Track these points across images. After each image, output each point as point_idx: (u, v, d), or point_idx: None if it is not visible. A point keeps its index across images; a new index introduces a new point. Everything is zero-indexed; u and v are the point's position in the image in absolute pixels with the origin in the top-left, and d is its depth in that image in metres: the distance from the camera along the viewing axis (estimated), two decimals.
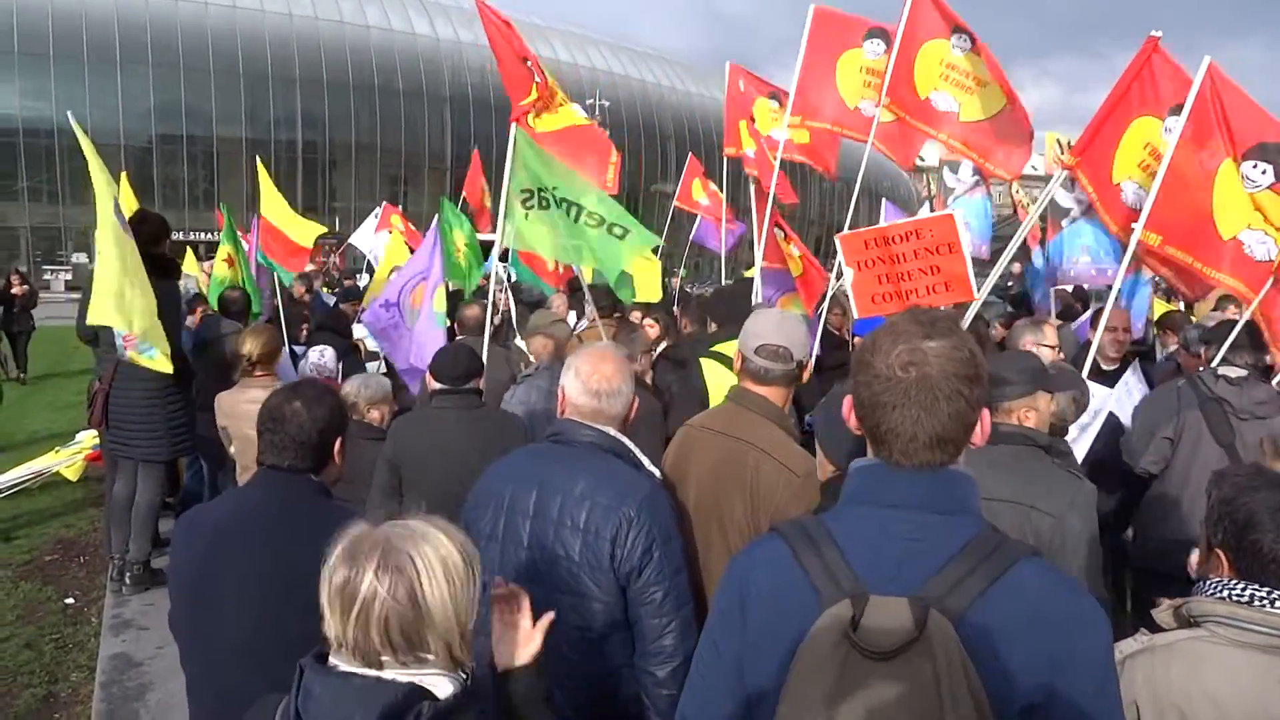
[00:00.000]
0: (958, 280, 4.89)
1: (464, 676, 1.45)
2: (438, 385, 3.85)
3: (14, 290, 13.71)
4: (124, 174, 9.53)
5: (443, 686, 1.40)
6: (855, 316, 5.13)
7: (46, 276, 34.50)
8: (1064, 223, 8.40)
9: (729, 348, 4.04)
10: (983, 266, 6.35)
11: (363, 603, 1.36)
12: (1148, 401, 4.19)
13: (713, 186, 11.56)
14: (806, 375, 2.81)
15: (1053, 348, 4.17)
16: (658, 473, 2.54)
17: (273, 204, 9.06)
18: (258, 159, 8.57)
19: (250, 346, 4.83)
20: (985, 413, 1.45)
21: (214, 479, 6.28)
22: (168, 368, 5.24)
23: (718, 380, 4.17)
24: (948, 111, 5.47)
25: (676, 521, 2.47)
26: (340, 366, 6.15)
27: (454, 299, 8.59)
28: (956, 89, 5.41)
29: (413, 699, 1.36)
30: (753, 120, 7.76)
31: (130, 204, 8.38)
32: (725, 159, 8.55)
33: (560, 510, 2.34)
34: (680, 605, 2.32)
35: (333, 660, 1.42)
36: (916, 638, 1.25)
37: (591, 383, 2.42)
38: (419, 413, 4.25)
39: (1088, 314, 8.18)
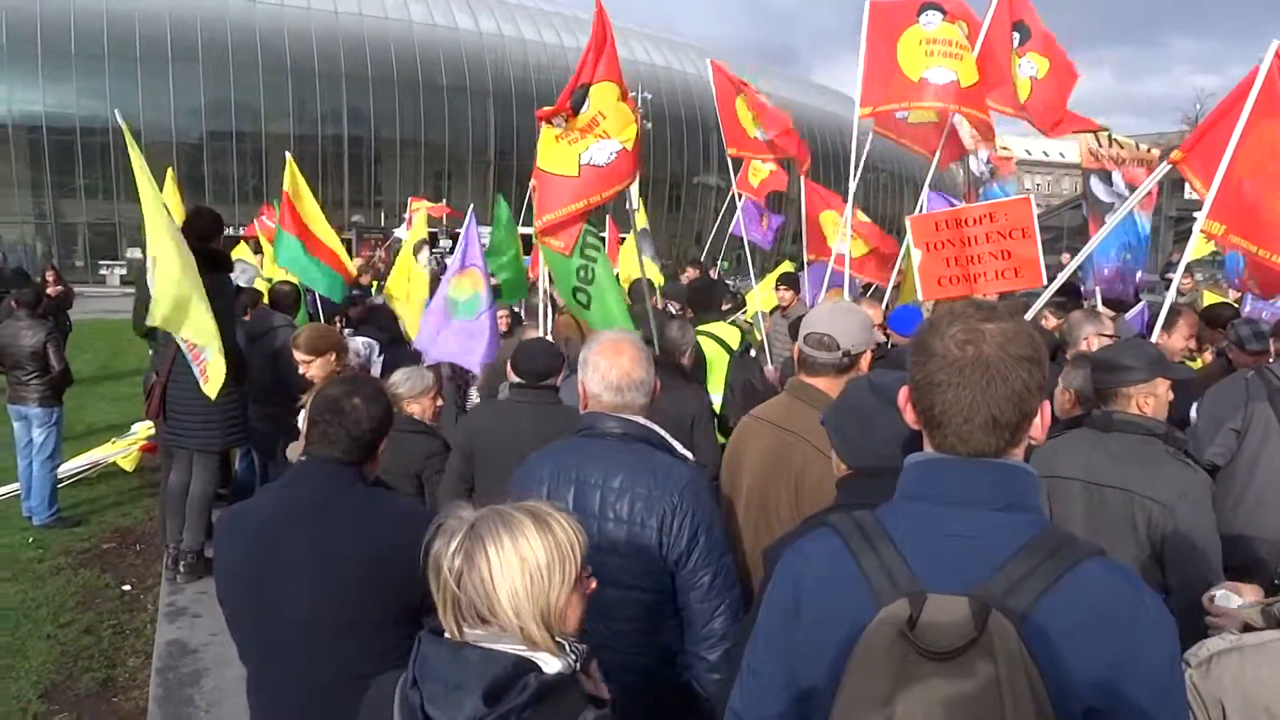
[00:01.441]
0: (1028, 265, 4.87)
1: (573, 658, 1.46)
2: (516, 379, 3.88)
3: (49, 290, 12.51)
4: (170, 171, 9.46)
5: (551, 664, 1.43)
6: (921, 299, 5.13)
7: (103, 272, 35.38)
8: (1105, 217, 8.19)
9: (716, 328, 5.19)
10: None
11: (441, 581, 1.44)
12: (1214, 393, 4.06)
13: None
14: (865, 365, 2.75)
15: (1112, 338, 4.08)
16: (690, 455, 2.52)
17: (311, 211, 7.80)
18: (286, 154, 8.17)
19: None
20: (1046, 405, 1.39)
21: (265, 469, 6.38)
22: (221, 368, 5.20)
23: (710, 354, 5.03)
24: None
25: (718, 505, 2.46)
26: (381, 359, 6.21)
27: None
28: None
29: (520, 671, 1.39)
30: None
31: (173, 202, 8.40)
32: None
33: (601, 504, 2.32)
34: (728, 587, 2.32)
35: (447, 634, 1.48)
36: (976, 638, 1.21)
37: (611, 377, 2.40)
38: (495, 404, 4.30)
39: (1142, 304, 8.00)
